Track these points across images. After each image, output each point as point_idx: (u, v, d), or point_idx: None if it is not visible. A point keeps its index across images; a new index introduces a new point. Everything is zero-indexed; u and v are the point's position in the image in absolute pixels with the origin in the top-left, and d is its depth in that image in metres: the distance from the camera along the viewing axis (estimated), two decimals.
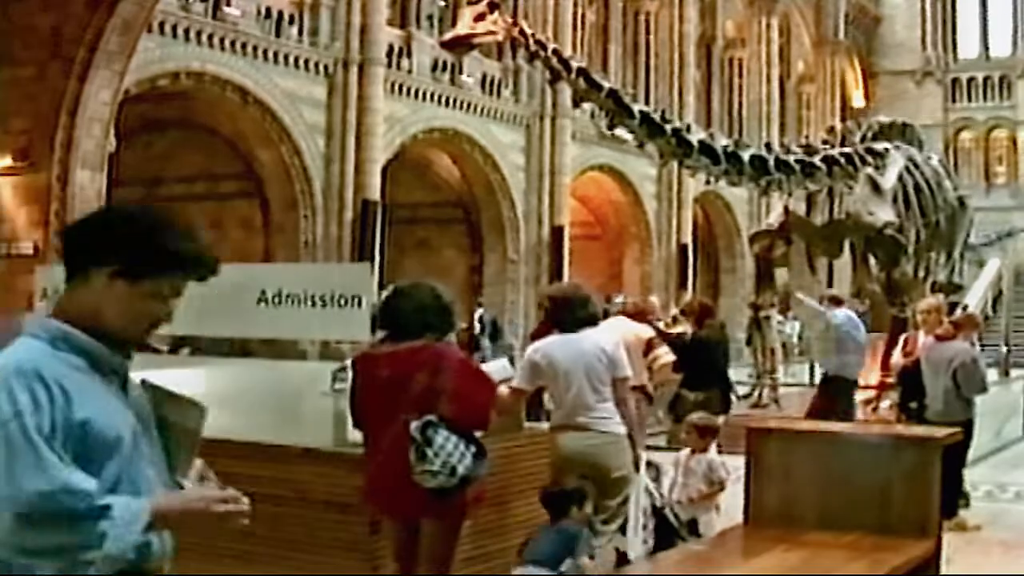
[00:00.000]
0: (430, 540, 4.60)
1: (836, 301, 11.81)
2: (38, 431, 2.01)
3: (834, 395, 11.04)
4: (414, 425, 4.35)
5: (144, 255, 2.18)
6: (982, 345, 12.85)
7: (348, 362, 5.04)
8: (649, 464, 6.01)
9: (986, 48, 46.17)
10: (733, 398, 11.37)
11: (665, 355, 8.18)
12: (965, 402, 8.77)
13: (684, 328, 10.74)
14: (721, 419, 8.24)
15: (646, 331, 8.38)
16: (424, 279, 5.03)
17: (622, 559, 5.78)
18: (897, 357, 10.52)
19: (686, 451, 7.04)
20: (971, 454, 9.17)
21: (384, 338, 4.72)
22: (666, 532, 6.13)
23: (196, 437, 2.38)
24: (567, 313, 5.83)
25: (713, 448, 7.00)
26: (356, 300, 5.51)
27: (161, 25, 19.11)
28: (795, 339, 27.77)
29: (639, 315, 9.08)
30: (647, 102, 22.91)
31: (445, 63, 25.29)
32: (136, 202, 24.38)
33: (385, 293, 4.96)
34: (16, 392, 2.02)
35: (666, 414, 9.98)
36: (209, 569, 5.62)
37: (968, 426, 8.48)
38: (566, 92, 19.01)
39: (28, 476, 1.98)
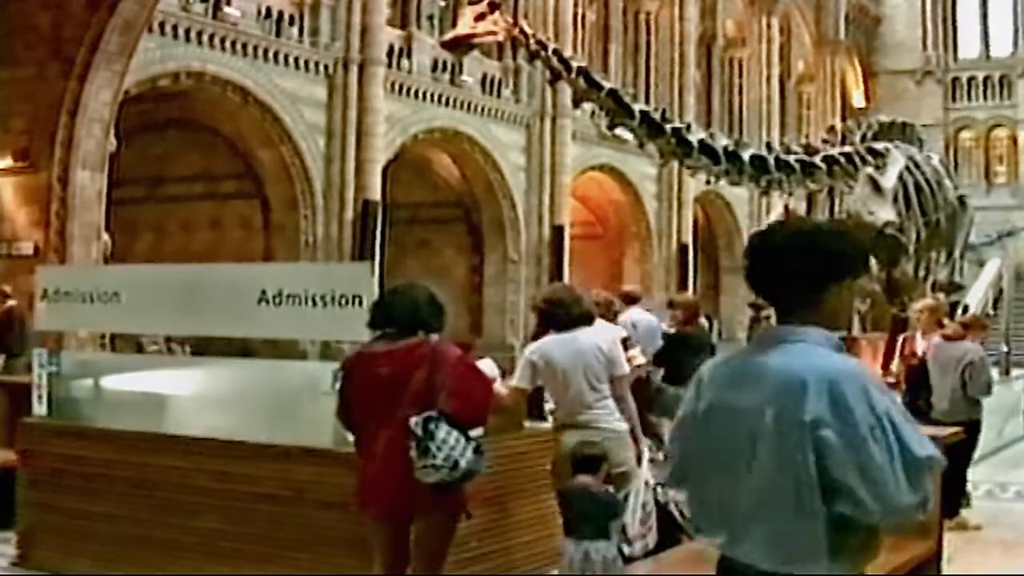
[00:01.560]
0: (425, 537, 4.57)
1: (630, 299, 11.76)
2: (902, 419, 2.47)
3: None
4: (415, 420, 4.34)
5: (867, 261, 2.64)
6: (983, 344, 12.83)
7: (336, 365, 5.03)
8: (652, 460, 6.01)
9: (986, 47, 46.17)
10: None
11: (638, 356, 8.24)
12: (972, 402, 8.74)
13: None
14: None
15: (619, 331, 8.44)
16: (424, 279, 5.05)
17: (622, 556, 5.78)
18: (897, 362, 10.52)
19: None
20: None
21: (377, 337, 4.72)
22: (669, 527, 6.12)
23: None
24: (562, 313, 5.86)
25: None
26: (356, 300, 5.50)
27: (161, 25, 19.12)
28: None
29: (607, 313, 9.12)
30: (647, 102, 22.88)
31: (445, 63, 25.28)
32: (136, 201, 24.35)
33: (377, 295, 4.96)
34: (876, 394, 2.47)
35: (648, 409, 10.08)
36: (209, 569, 5.62)
37: (975, 426, 8.47)
38: (566, 92, 19.00)
39: (919, 445, 2.43)
